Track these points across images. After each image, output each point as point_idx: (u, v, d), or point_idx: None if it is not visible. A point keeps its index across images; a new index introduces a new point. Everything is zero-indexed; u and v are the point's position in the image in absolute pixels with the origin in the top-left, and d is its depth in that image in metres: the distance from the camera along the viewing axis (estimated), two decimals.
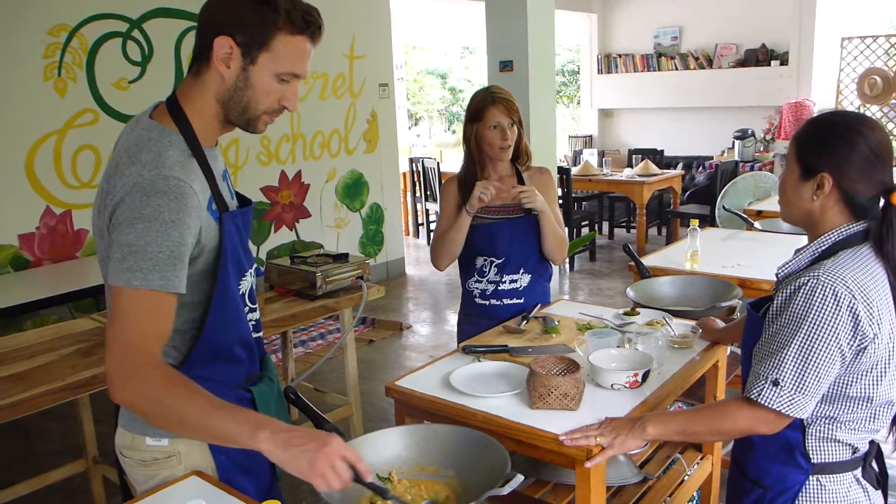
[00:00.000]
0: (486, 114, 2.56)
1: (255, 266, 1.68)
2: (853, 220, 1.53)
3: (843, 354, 1.45)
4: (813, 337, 1.44)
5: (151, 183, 1.35)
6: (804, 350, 1.44)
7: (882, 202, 1.51)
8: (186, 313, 1.48)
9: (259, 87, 1.44)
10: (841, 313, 1.42)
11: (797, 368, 1.45)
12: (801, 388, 1.45)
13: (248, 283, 1.62)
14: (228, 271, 1.50)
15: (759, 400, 1.49)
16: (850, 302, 1.42)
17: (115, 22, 4.96)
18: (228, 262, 1.49)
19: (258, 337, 1.70)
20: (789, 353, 1.46)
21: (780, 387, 1.46)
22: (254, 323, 1.66)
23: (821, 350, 1.43)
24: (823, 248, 1.54)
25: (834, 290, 1.43)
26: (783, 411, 1.47)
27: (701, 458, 2.49)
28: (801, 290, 1.46)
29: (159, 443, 1.53)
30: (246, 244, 1.61)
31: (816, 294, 1.44)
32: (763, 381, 1.49)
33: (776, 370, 1.47)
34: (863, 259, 1.49)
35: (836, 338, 1.43)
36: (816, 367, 1.44)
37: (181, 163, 1.41)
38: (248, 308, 1.62)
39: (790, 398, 1.46)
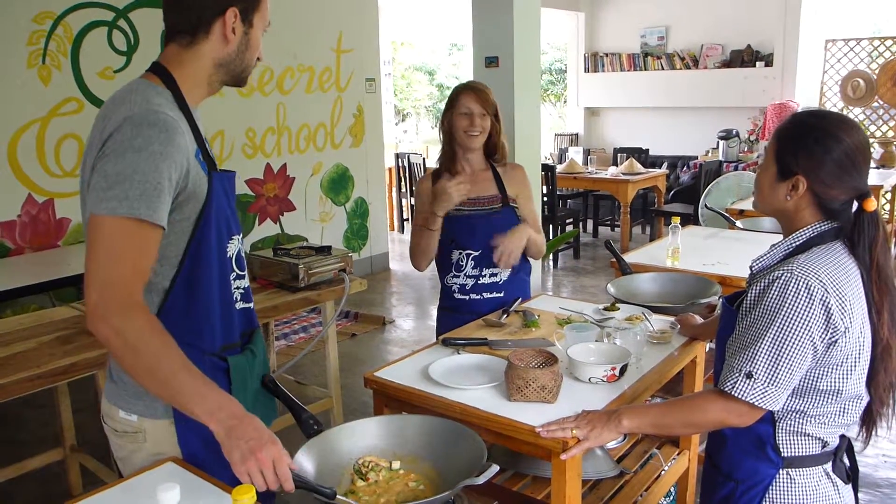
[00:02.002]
0: (459, 100, 2.60)
1: (241, 235, 1.69)
2: (826, 220, 1.56)
3: (815, 347, 1.47)
4: (786, 330, 1.46)
5: (142, 115, 1.38)
6: (777, 343, 1.46)
7: (855, 206, 1.54)
8: (169, 269, 1.49)
9: (255, 44, 1.58)
10: (814, 306, 1.44)
11: (770, 361, 1.47)
12: (774, 381, 1.47)
13: (235, 246, 1.63)
14: (211, 224, 1.51)
15: (732, 392, 1.50)
16: (822, 295, 1.44)
17: (100, 11, 4.93)
18: (212, 215, 1.51)
19: (247, 307, 1.70)
20: (763, 345, 1.48)
21: (753, 379, 1.48)
22: (242, 291, 1.67)
23: (794, 343, 1.45)
24: (797, 243, 1.56)
25: (807, 284, 1.45)
26: (756, 403, 1.49)
27: (678, 454, 2.51)
28: (775, 284, 1.48)
29: (129, 417, 1.56)
30: (233, 208, 1.63)
31: (790, 287, 1.46)
32: (737, 374, 1.51)
33: (750, 362, 1.49)
34: (836, 254, 1.51)
35: (809, 331, 1.45)
36: (789, 360, 1.46)
37: (169, 106, 1.46)
38: (235, 274, 1.63)
39: (763, 390, 1.48)
